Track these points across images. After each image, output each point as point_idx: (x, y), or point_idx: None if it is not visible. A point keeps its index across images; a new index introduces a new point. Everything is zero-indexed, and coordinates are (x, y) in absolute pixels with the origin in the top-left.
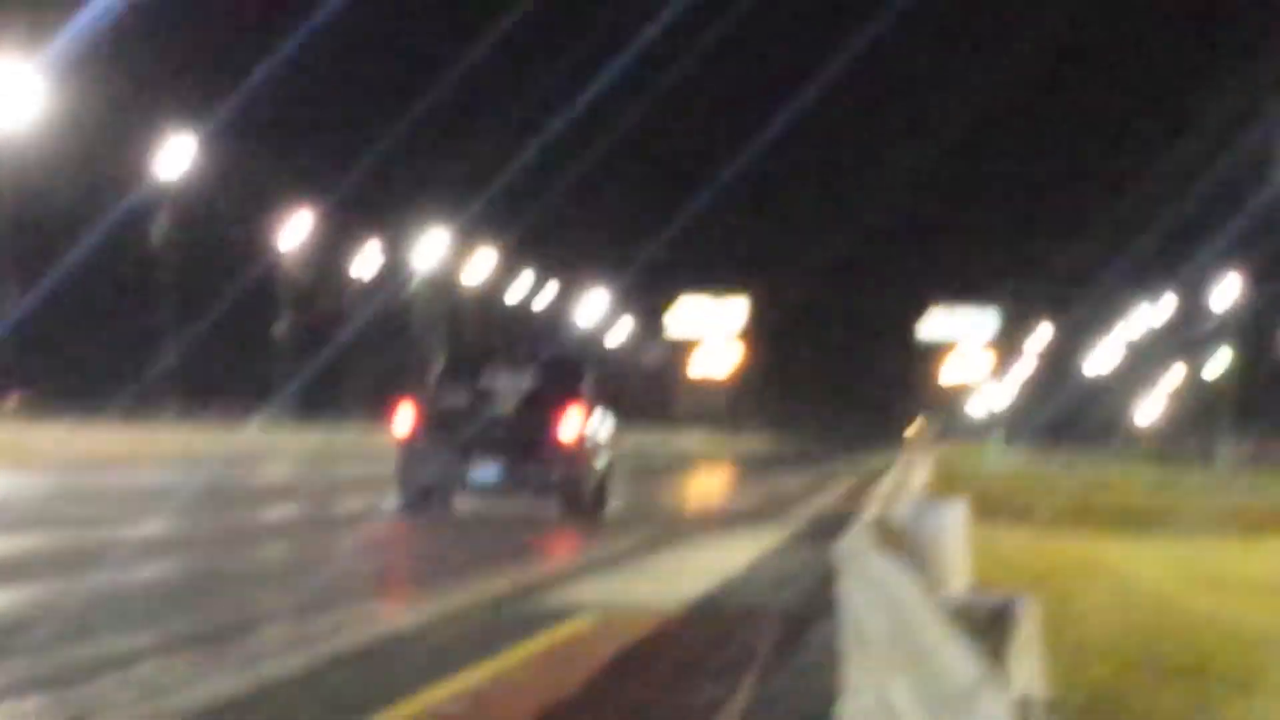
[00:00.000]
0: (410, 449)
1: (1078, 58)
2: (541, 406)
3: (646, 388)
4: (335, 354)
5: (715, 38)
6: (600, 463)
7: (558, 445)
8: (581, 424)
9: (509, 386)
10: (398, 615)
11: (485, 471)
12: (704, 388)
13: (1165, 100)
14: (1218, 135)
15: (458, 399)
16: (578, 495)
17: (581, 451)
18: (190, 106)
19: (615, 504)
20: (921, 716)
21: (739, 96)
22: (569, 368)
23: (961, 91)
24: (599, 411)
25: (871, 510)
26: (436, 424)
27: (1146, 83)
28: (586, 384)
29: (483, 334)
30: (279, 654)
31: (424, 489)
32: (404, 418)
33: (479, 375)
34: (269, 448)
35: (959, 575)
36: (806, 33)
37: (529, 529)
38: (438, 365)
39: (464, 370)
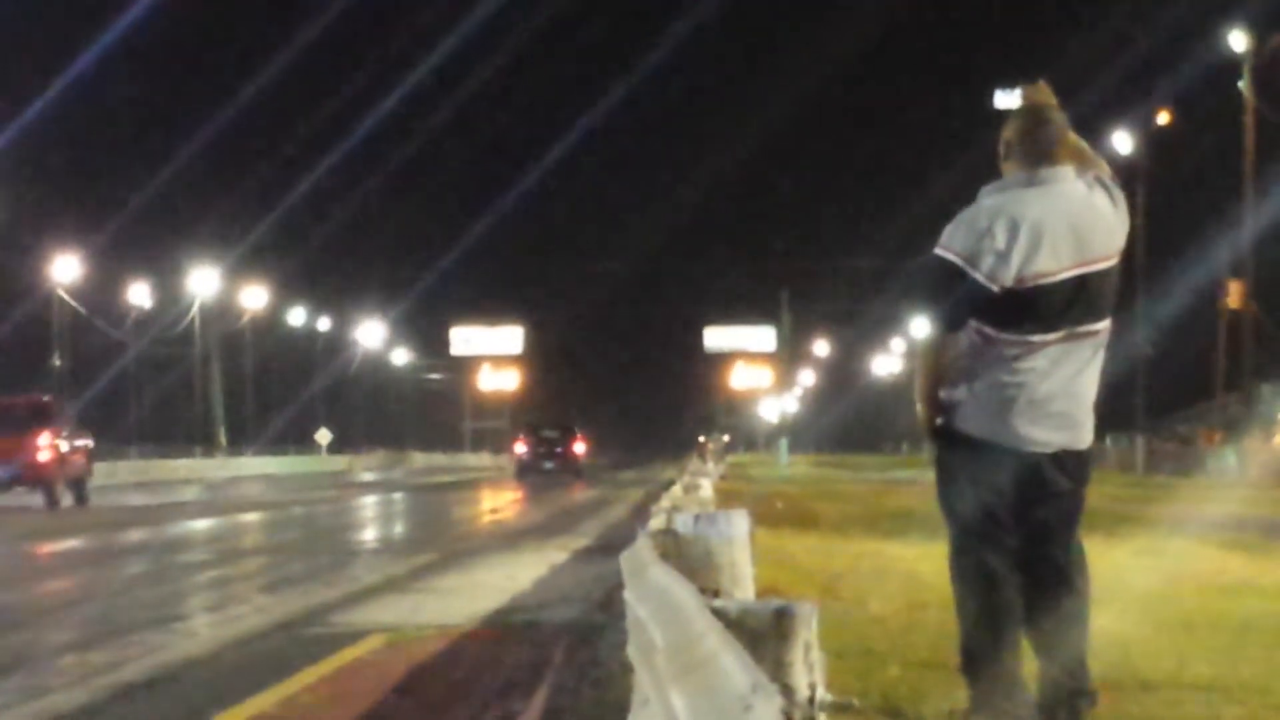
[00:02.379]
0: (522, 456)
1: (851, 85)
2: (563, 441)
3: (433, 409)
4: (113, 385)
5: (487, 75)
6: None
7: (571, 455)
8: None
9: (549, 433)
10: (186, 643)
11: (548, 463)
12: (489, 408)
13: (940, 119)
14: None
15: (535, 437)
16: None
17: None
18: None
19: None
20: None
21: (509, 133)
22: (568, 430)
23: (737, 117)
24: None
25: (656, 521)
26: (532, 445)
27: (915, 109)
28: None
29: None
30: (64, 688)
31: (525, 469)
32: (520, 445)
33: (539, 429)
34: None
35: (743, 583)
36: (582, 65)
37: (321, 555)
38: (526, 427)
39: (533, 428)
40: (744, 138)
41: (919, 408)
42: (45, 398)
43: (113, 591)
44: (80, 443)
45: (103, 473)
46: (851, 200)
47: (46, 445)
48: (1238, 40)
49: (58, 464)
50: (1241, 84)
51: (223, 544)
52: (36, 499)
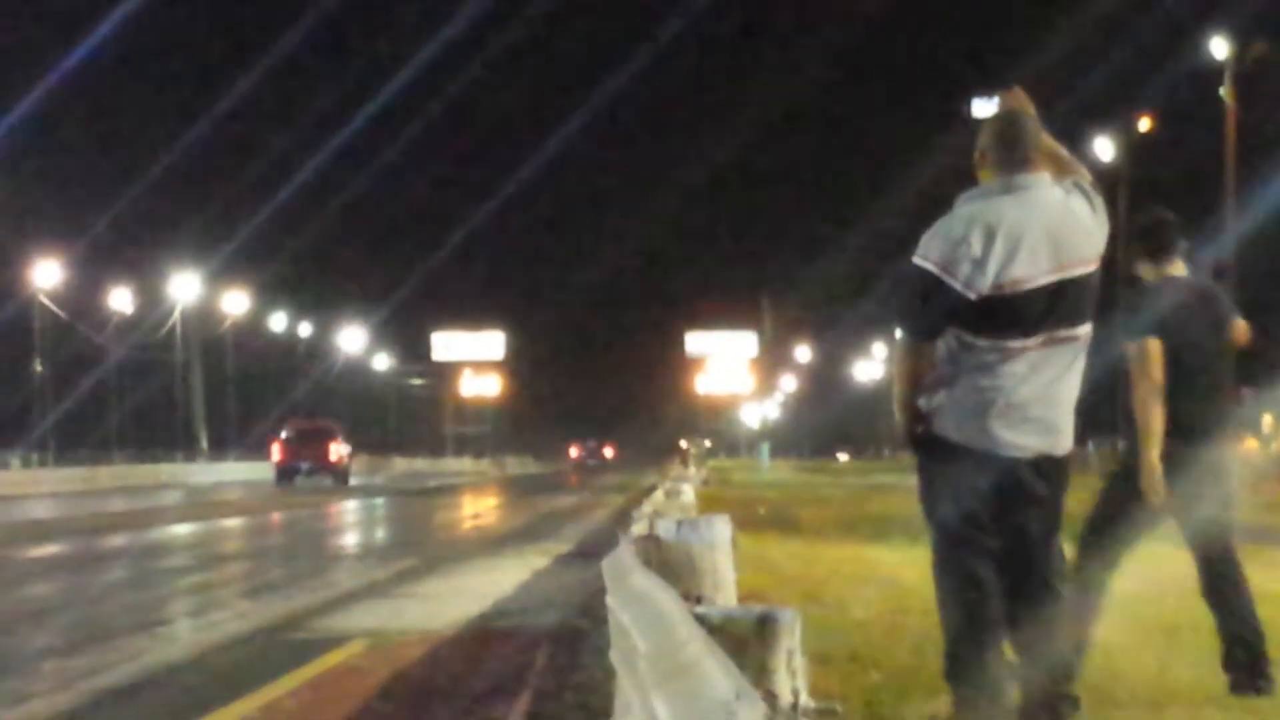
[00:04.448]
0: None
1: (830, 91)
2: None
3: (415, 415)
4: (94, 390)
5: (468, 81)
6: None
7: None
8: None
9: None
10: (168, 648)
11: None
12: (471, 414)
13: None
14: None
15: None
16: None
17: None
18: None
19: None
20: None
21: (489, 139)
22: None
23: (718, 122)
24: None
25: (639, 526)
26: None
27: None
28: None
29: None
30: (45, 693)
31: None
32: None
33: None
34: (31, 483)
35: (726, 589)
36: (561, 72)
37: (303, 561)
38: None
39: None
40: (725, 143)
41: (898, 414)
42: (331, 422)
43: (92, 597)
44: (346, 450)
45: (82, 479)
46: (831, 206)
47: (334, 450)
48: (1219, 47)
49: (338, 461)
50: (1223, 90)
51: (204, 549)
52: (326, 481)
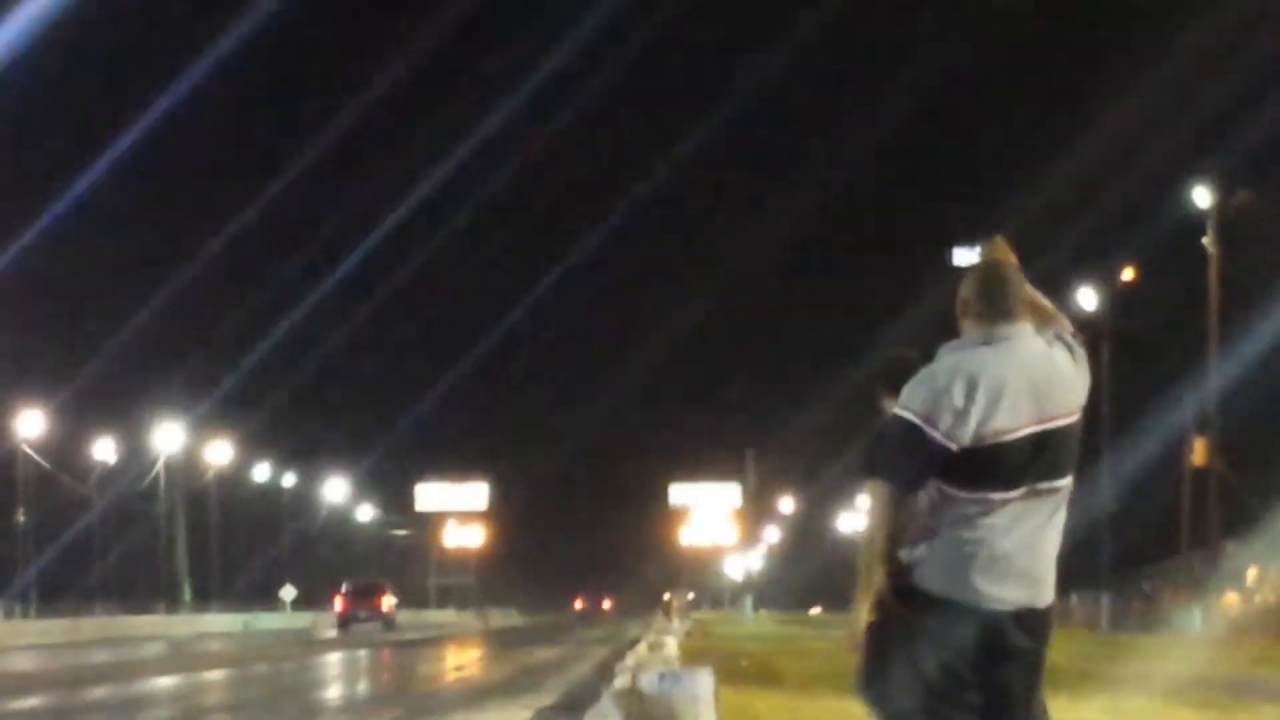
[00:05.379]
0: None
1: (811, 241)
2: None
3: (399, 565)
4: (77, 541)
5: (447, 233)
6: None
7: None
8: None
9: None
10: None
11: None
12: (454, 564)
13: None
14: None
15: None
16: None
17: None
18: None
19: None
20: None
21: (471, 290)
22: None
23: (699, 274)
24: None
25: (621, 679)
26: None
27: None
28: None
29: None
30: None
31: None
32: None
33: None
34: (12, 635)
35: None
36: (545, 219)
37: (286, 714)
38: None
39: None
40: (709, 294)
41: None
42: (382, 580)
43: None
44: (394, 601)
45: (64, 630)
46: (814, 357)
47: (385, 602)
48: (1201, 196)
49: (390, 611)
50: (1206, 240)
51: (186, 701)
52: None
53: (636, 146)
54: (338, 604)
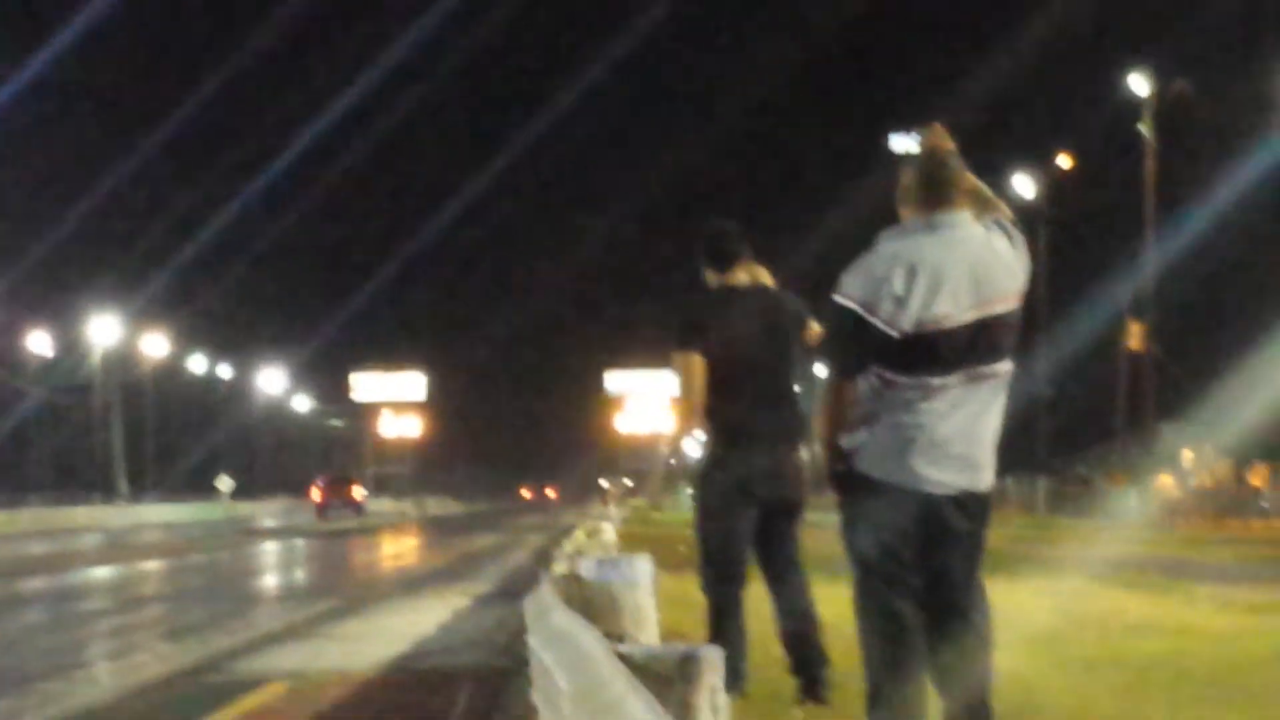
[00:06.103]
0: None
1: (749, 126)
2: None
3: (335, 455)
4: (13, 433)
5: (388, 125)
6: None
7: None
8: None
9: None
10: (88, 691)
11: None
12: (391, 454)
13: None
14: None
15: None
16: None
17: None
18: None
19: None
20: None
21: (411, 179)
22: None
23: (638, 163)
24: None
25: (560, 566)
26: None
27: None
28: None
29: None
30: None
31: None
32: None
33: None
34: None
35: (648, 627)
36: (489, 111)
37: (223, 602)
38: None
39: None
40: (643, 182)
41: (820, 452)
42: (353, 474)
43: (9, 640)
44: (364, 492)
45: (2, 522)
46: (752, 241)
47: (356, 492)
48: (1139, 84)
49: (361, 500)
50: (1142, 126)
51: (123, 592)
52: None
53: (580, 32)
54: (315, 494)
